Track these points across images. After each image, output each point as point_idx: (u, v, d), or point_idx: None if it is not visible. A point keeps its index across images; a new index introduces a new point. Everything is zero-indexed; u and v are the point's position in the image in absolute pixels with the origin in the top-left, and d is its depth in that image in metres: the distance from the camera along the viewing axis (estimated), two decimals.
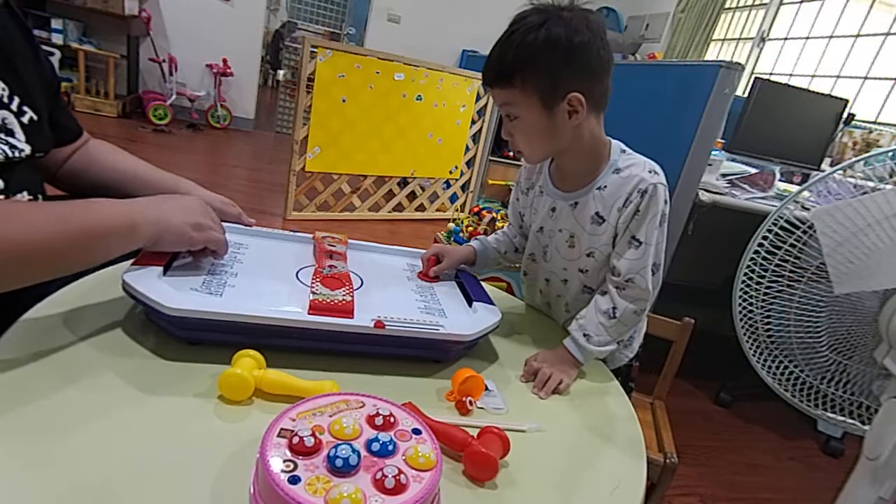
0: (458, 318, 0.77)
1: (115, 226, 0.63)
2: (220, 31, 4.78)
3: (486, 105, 3.53)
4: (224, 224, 0.91)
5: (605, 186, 0.82)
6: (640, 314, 0.83)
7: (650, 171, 0.80)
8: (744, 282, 1.10)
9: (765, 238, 1.04)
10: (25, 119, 0.75)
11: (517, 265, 1.04)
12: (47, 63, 0.84)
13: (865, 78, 3.33)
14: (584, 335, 0.82)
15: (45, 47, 0.87)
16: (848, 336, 1.02)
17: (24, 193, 0.77)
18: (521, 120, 0.79)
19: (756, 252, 1.05)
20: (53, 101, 0.86)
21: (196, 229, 0.70)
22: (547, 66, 0.74)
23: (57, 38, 4.10)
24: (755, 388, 1.99)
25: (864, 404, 1.03)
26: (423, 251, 1.01)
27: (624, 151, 0.85)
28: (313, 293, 0.69)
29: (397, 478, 0.41)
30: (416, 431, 0.48)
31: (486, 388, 0.69)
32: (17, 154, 0.73)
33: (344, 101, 2.98)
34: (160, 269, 0.67)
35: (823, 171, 2.16)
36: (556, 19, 0.74)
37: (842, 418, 1.04)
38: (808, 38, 3.87)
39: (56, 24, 4.09)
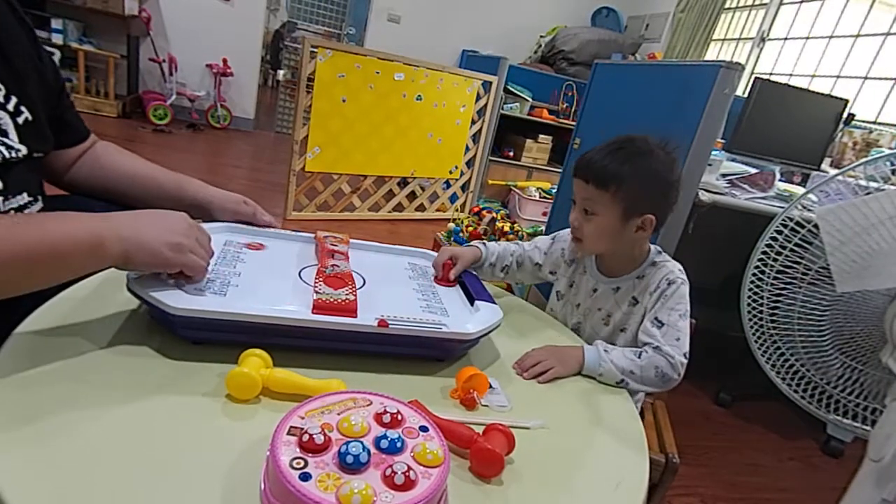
0: (461, 317, 0.78)
1: (76, 242, 0.58)
2: (220, 31, 4.77)
3: (486, 105, 3.53)
4: (228, 225, 0.91)
5: (644, 276, 0.94)
6: (659, 379, 0.83)
7: (679, 270, 0.93)
8: (752, 281, 1.11)
9: (774, 239, 1.05)
10: (21, 120, 0.74)
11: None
12: (50, 64, 0.83)
13: (865, 78, 3.33)
14: (605, 350, 0.83)
15: (45, 47, 0.86)
16: (854, 337, 1.02)
17: (24, 195, 0.76)
18: (597, 218, 0.90)
19: (765, 253, 1.06)
20: (57, 102, 0.85)
21: (174, 250, 0.63)
22: (641, 189, 0.87)
23: (57, 38, 4.09)
24: (755, 388, 2.00)
25: (878, 410, 1.03)
26: (425, 251, 1.02)
27: (660, 253, 0.97)
28: (317, 293, 0.69)
29: (406, 474, 0.41)
30: (424, 429, 0.49)
31: (490, 386, 0.70)
32: (14, 154, 0.72)
33: (344, 101, 2.98)
34: None
35: (823, 171, 2.17)
36: (658, 154, 0.88)
37: (848, 421, 1.04)
38: (808, 38, 3.87)
39: (56, 24, 4.08)
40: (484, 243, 1.02)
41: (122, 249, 0.60)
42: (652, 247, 0.96)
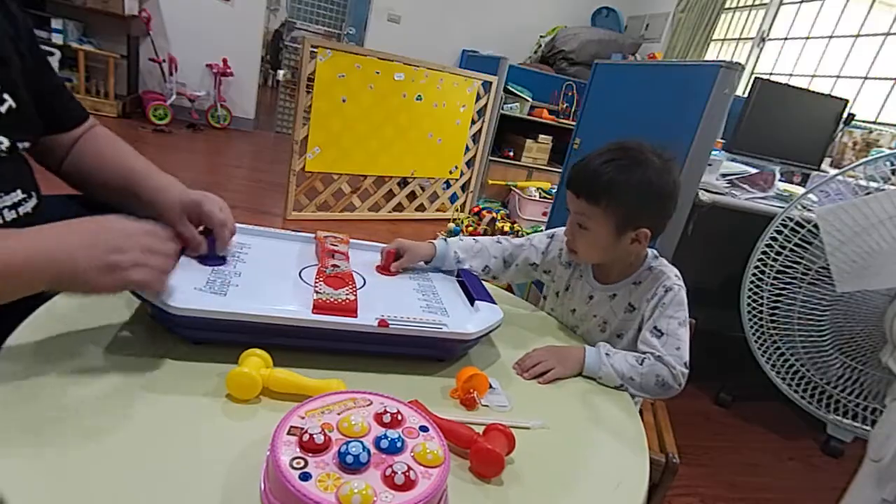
0: (461, 317, 0.77)
1: (6, 267, 0.52)
2: (220, 31, 4.77)
3: (486, 105, 3.53)
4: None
5: (640, 282, 0.92)
6: (659, 388, 0.82)
7: (676, 276, 0.91)
8: (752, 281, 1.11)
9: (773, 239, 1.05)
10: (3, 108, 0.69)
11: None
12: (27, 36, 0.75)
13: (865, 78, 3.33)
14: (607, 354, 0.83)
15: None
16: (854, 337, 1.02)
17: (18, 192, 0.73)
18: (590, 231, 0.87)
19: (765, 253, 1.06)
20: (41, 82, 0.78)
21: (108, 271, 0.55)
22: (634, 203, 0.83)
23: (57, 38, 4.08)
24: (755, 388, 2.00)
25: (878, 410, 1.03)
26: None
27: (657, 257, 0.94)
28: (317, 293, 0.69)
29: (406, 474, 0.41)
30: (424, 429, 0.49)
31: (490, 386, 0.70)
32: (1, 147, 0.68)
33: (344, 101, 2.98)
34: None
35: (823, 171, 2.17)
36: (651, 163, 0.83)
37: (848, 421, 1.04)
38: (808, 38, 3.87)
39: (56, 24, 4.08)
40: (446, 240, 0.97)
41: (54, 276, 0.54)
42: (649, 251, 0.94)
